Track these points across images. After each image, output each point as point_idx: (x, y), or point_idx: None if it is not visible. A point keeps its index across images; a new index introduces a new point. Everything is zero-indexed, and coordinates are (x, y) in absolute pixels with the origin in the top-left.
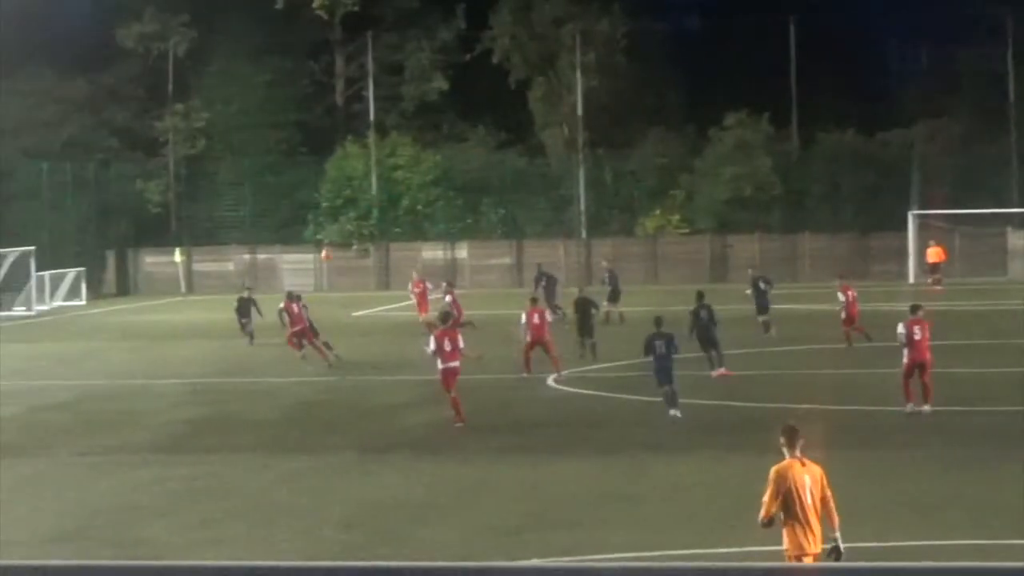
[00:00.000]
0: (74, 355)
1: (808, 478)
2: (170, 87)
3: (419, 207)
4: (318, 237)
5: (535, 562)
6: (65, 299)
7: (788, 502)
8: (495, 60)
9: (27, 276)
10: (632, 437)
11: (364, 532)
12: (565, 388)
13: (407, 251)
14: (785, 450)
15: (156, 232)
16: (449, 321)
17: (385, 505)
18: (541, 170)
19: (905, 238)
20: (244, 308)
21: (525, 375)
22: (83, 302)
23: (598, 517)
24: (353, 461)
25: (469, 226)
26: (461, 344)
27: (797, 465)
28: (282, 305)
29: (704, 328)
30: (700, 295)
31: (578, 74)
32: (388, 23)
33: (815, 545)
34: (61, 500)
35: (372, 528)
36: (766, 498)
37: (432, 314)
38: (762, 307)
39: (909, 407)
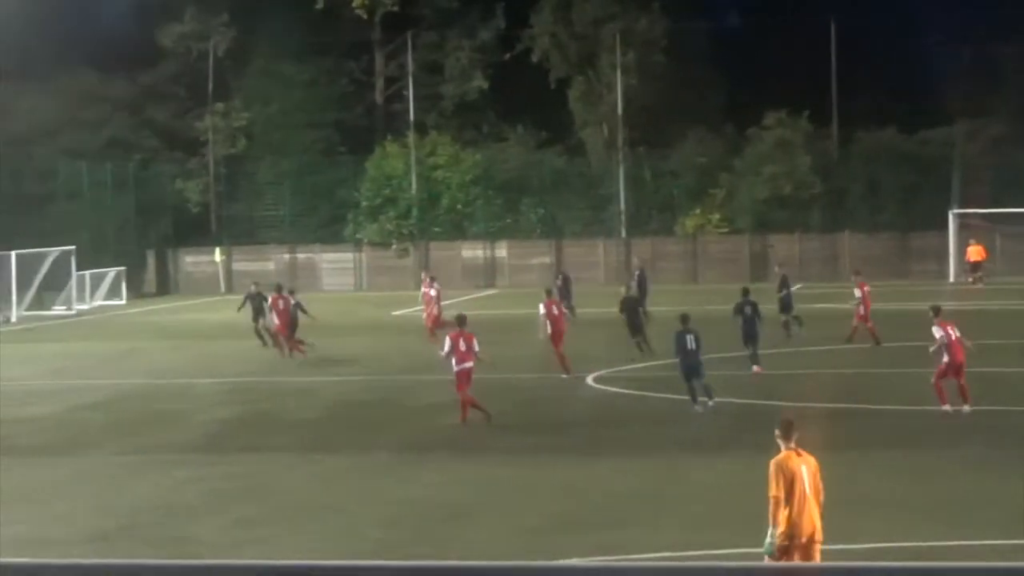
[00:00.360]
0: (114, 354)
1: (805, 468)
2: (210, 87)
3: (459, 206)
4: (358, 236)
5: (574, 561)
6: (105, 298)
7: (788, 490)
8: (535, 59)
9: (68, 275)
10: (669, 436)
11: (403, 531)
12: (603, 387)
13: (446, 251)
14: (781, 442)
15: (196, 232)
16: (465, 323)
17: (424, 504)
18: (581, 169)
19: (946, 237)
20: (257, 306)
21: (565, 376)
22: (123, 301)
23: (635, 517)
24: (392, 460)
25: (508, 225)
26: (476, 347)
27: (794, 456)
28: (269, 299)
29: (749, 323)
30: (745, 291)
31: (618, 73)
32: (428, 22)
33: (808, 533)
34: (100, 499)
35: (411, 527)
36: (773, 491)
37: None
38: (786, 306)
39: (948, 407)
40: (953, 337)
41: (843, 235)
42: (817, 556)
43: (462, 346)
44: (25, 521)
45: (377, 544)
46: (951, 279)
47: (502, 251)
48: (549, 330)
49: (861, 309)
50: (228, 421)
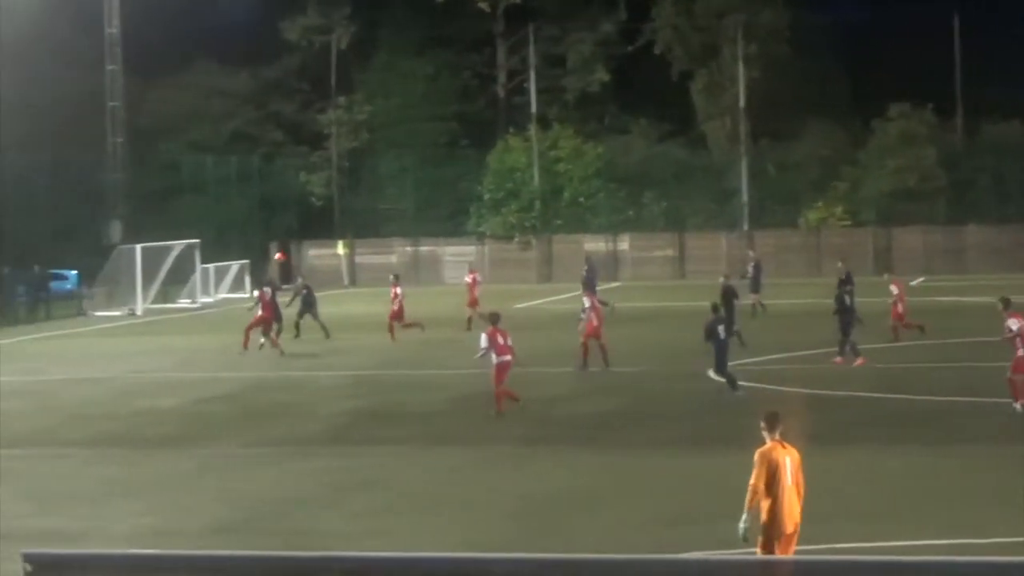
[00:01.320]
0: (238, 347)
1: (789, 460)
2: (333, 80)
3: (581, 199)
4: (480, 229)
5: (692, 555)
6: (229, 291)
7: (772, 481)
8: (657, 51)
9: (192, 269)
10: (793, 429)
11: (525, 523)
12: (722, 380)
13: (569, 243)
14: (766, 434)
15: (319, 225)
16: (499, 320)
17: (546, 496)
18: (703, 162)
19: None
20: (307, 300)
21: (580, 367)
22: (247, 295)
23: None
24: (515, 452)
25: (631, 218)
26: (511, 342)
27: (779, 447)
28: (257, 293)
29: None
30: (842, 280)
31: (740, 65)
32: (550, 15)
33: (790, 525)
34: (224, 491)
35: (533, 519)
36: (754, 480)
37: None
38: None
39: (1019, 405)
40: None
41: (968, 228)
42: (794, 548)
43: (500, 340)
44: (151, 512)
45: (500, 537)
46: None
47: (624, 244)
48: (595, 322)
49: (899, 307)
50: (351, 413)
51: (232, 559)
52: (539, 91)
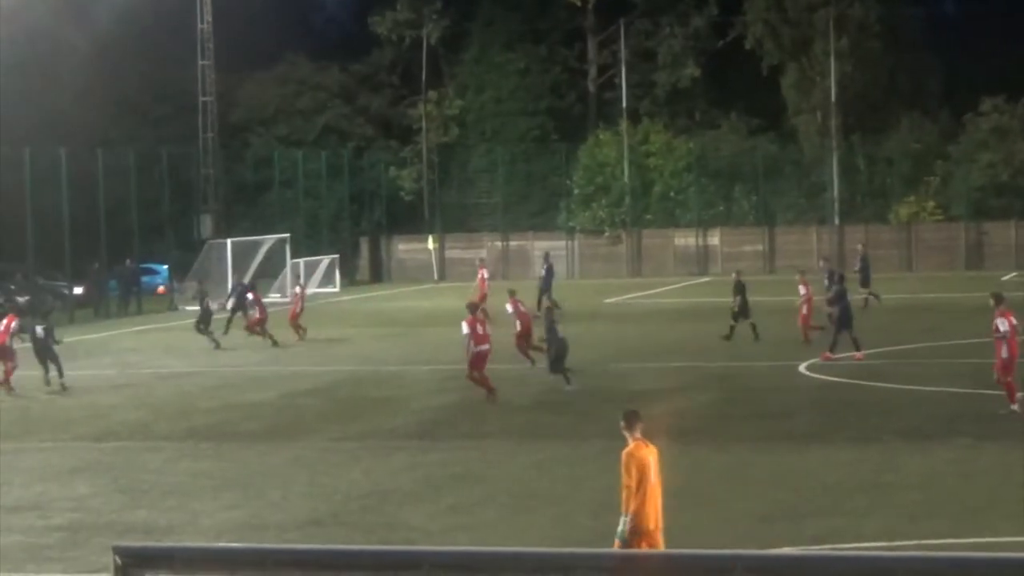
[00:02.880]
0: (329, 341)
1: (652, 459)
2: (423, 75)
3: (671, 194)
4: (570, 224)
5: (785, 551)
6: (319, 286)
7: (642, 480)
8: (748, 46)
9: (283, 263)
10: (886, 425)
11: (616, 519)
12: (817, 376)
13: (659, 238)
14: (626, 433)
15: (409, 219)
16: (476, 310)
17: None
18: (794, 156)
19: None
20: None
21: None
22: (337, 289)
23: (851, 505)
24: (606, 447)
25: (721, 213)
26: (489, 330)
27: (643, 446)
28: (251, 296)
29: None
30: (841, 276)
31: (831, 60)
32: (641, 10)
33: (654, 521)
34: (315, 485)
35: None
36: (626, 480)
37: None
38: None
39: (1015, 407)
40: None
41: None
42: (661, 543)
43: (479, 329)
44: (242, 506)
45: (590, 532)
46: None
47: (714, 238)
48: (519, 328)
49: (804, 308)
50: (442, 408)
51: (321, 553)
52: (630, 86)
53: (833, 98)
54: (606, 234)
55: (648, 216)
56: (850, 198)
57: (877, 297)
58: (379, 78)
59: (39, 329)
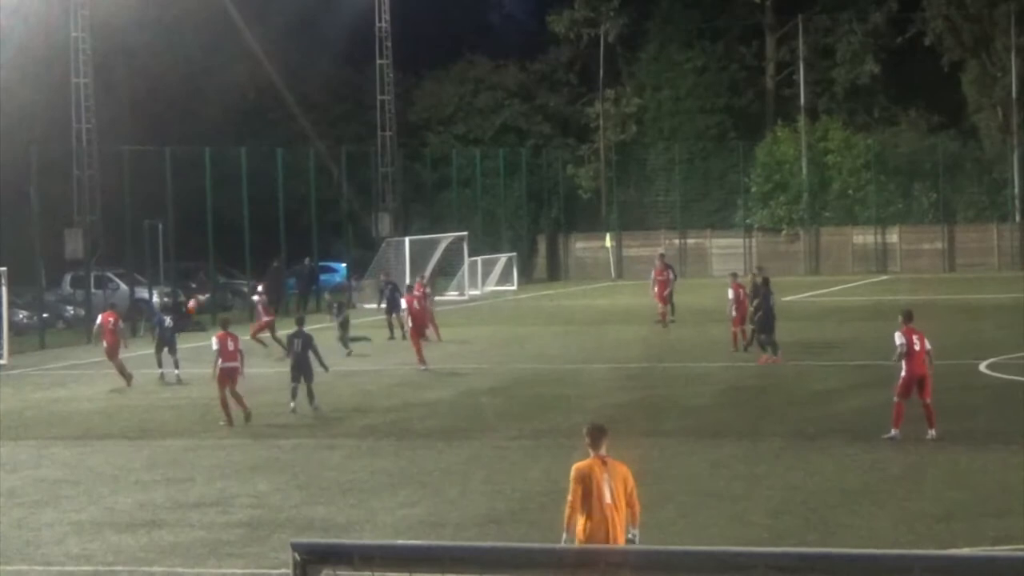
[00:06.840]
0: (507, 339)
1: (607, 477)
2: (601, 73)
3: (850, 191)
4: (748, 222)
5: (952, 552)
6: (497, 284)
7: (584, 499)
8: (927, 42)
9: (461, 261)
10: None
11: (793, 519)
12: (997, 375)
13: (836, 235)
14: (590, 449)
15: (586, 217)
16: (228, 325)
17: (815, 491)
18: (974, 154)
19: None
20: (392, 299)
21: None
22: (514, 287)
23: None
24: (784, 447)
25: (900, 210)
26: (240, 346)
27: (598, 464)
28: (256, 298)
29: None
30: (766, 280)
31: (1012, 56)
32: (819, 6)
33: (611, 539)
34: (493, 483)
35: (802, 515)
36: (569, 497)
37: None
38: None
39: (894, 432)
40: (916, 347)
41: None
42: None
43: (229, 346)
44: (419, 503)
45: (767, 531)
46: None
47: (893, 236)
48: (410, 324)
49: (733, 312)
50: (621, 406)
51: (500, 551)
52: (808, 83)
53: (1015, 95)
54: (784, 232)
55: (826, 214)
56: None
57: None
58: (557, 76)
59: (167, 319)
